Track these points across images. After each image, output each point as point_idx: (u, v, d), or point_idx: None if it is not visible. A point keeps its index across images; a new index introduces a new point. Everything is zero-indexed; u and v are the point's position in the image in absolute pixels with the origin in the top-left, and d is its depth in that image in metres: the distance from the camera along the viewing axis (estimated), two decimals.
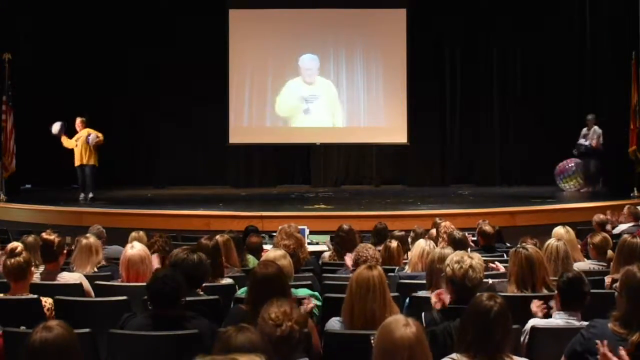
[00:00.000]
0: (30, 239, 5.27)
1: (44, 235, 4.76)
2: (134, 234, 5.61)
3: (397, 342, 2.49)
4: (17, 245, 4.23)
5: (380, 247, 5.48)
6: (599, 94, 12.90)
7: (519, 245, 4.27)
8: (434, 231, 6.60)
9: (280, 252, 4.27)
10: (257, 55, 13.75)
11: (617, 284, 3.21)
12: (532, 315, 3.63)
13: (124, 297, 4.08)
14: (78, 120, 11.13)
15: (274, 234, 7.36)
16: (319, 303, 4.19)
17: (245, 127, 13.76)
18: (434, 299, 3.69)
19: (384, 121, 13.72)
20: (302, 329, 2.76)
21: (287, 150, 13.94)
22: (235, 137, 13.69)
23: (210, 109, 13.54)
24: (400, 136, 13.67)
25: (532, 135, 13.18)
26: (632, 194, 11.22)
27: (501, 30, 13.50)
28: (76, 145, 11.01)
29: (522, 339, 3.46)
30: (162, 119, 13.46)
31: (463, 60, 13.78)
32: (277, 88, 13.72)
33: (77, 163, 11.07)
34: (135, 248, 4.48)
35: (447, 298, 3.66)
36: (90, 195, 11.05)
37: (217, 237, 5.24)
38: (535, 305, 3.64)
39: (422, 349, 2.50)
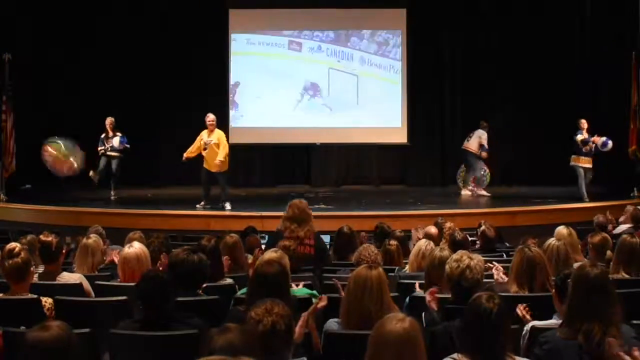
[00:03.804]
0: (30, 239, 5.28)
1: (41, 237, 4.75)
2: (131, 234, 5.61)
3: (386, 336, 2.50)
4: (15, 245, 4.21)
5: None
6: (599, 94, 12.91)
7: (524, 245, 4.27)
8: (431, 228, 6.60)
9: (276, 254, 4.26)
10: (257, 54, 13.75)
11: (570, 280, 3.22)
12: (531, 316, 3.63)
13: (124, 297, 4.07)
14: (211, 117, 10.21)
15: None
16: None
17: (245, 127, 13.75)
18: (428, 298, 3.70)
19: (384, 121, 13.71)
20: (287, 323, 2.76)
21: (287, 150, 13.94)
22: (235, 137, 13.65)
23: (210, 108, 13.49)
24: (400, 136, 13.68)
25: (532, 135, 13.19)
26: (632, 194, 11.23)
27: (501, 30, 13.50)
28: (204, 149, 10.14)
29: (522, 339, 3.46)
30: (162, 119, 13.46)
31: (463, 60, 13.78)
32: (277, 88, 13.71)
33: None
34: (133, 247, 4.48)
35: (444, 294, 3.68)
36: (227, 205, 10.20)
37: (227, 237, 5.27)
38: (520, 311, 3.61)
39: (413, 347, 2.50)
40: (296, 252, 5.30)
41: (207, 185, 10.36)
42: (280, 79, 13.71)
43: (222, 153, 10.03)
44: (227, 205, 10.18)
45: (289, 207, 5.90)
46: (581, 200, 10.73)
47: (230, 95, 13.73)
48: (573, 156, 10.94)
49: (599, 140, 10.65)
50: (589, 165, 10.89)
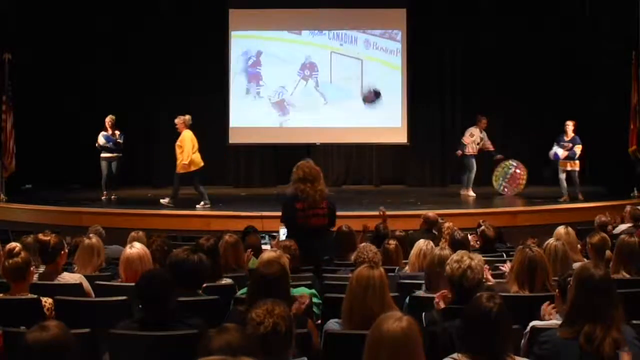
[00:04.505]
0: (30, 239, 5.27)
1: (40, 236, 4.76)
2: (133, 234, 5.62)
3: (383, 334, 2.50)
4: (15, 245, 4.22)
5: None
6: (598, 94, 12.90)
7: (525, 245, 4.27)
8: (428, 212, 6.70)
9: (275, 254, 4.26)
10: (257, 54, 13.74)
11: (571, 279, 3.22)
12: (532, 316, 3.62)
13: (124, 297, 4.07)
14: (176, 120, 10.52)
15: (274, 234, 7.37)
16: (317, 300, 4.19)
17: (245, 127, 13.74)
18: (437, 299, 3.70)
19: (384, 121, 13.70)
20: (288, 324, 2.76)
21: (287, 150, 13.92)
22: (235, 137, 13.68)
23: (210, 108, 13.54)
24: (400, 136, 13.66)
25: (533, 135, 13.18)
26: (632, 194, 11.23)
27: (501, 30, 13.48)
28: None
29: (522, 339, 3.46)
30: (162, 119, 13.44)
31: (463, 60, 13.77)
32: (277, 88, 13.71)
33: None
34: (134, 248, 4.49)
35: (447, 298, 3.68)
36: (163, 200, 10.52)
37: (226, 237, 5.27)
38: (545, 309, 3.60)
39: (409, 346, 2.50)
40: (309, 223, 5.44)
41: (197, 185, 10.53)
42: (280, 79, 13.69)
43: (184, 155, 10.31)
44: (163, 200, 10.45)
45: (297, 168, 5.79)
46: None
47: (230, 95, 13.67)
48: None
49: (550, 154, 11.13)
50: (570, 168, 11.04)
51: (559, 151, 10.98)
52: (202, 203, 10.37)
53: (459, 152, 11.90)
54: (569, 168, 11.04)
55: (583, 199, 10.90)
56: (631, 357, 2.89)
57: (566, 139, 11.01)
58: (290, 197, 5.81)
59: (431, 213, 6.97)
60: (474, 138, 11.87)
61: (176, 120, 10.51)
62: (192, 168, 10.38)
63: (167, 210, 10.27)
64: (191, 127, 10.54)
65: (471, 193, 11.88)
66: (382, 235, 6.61)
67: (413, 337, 2.52)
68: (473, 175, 11.96)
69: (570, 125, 11.01)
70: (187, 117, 10.49)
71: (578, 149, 10.95)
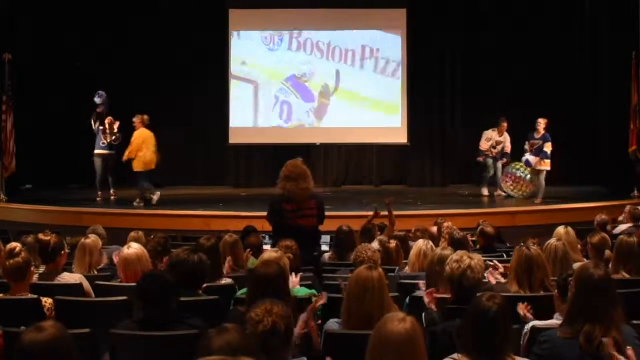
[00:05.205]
0: (30, 239, 5.28)
1: (40, 236, 4.76)
2: (132, 233, 5.63)
3: (387, 335, 2.50)
4: (15, 245, 4.23)
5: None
6: (598, 94, 12.90)
7: (522, 244, 4.28)
8: (432, 227, 6.66)
9: (276, 254, 4.26)
10: (257, 54, 13.75)
11: (572, 279, 3.23)
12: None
13: (124, 297, 4.07)
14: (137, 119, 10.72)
15: None
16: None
17: (245, 127, 13.75)
18: (426, 299, 3.70)
19: (384, 121, 13.71)
20: (287, 323, 2.77)
21: (287, 150, 13.90)
22: (235, 137, 13.69)
23: (211, 109, 13.55)
24: (400, 136, 13.67)
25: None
26: (632, 194, 11.23)
27: (501, 30, 13.49)
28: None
29: (522, 339, 3.47)
30: (162, 119, 13.42)
31: (463, 60, 13.77)
32: (277, 88, 13.72)
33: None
34: (131, 248, 4.49)
35: (444, 294, 3.68)
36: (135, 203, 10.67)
37: (226, 237, 5.27)
38: (521, 309, 3.62)
39: (413, 347, 2.50)
40: (299, 224, 5.47)
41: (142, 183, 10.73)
42: (280, 79, 13.70)
43: (129, 152, 10.52)
44: (153, 199, 10.59)
45: (284, 167, 5.84)
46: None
47: (231, 95, 13.68)
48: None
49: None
50: (540, 167, 10.89)
51: (530, 158, 10.91)
52: (137, 200, 10.60)
53: (480, 158, 11.76)
54: (538, 167, 10.91)
55: (541, 202, 10.73)
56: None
57: (536, 136, 10.93)
58: (277, 197, 5.81)
59: (435, 229, 6.73)
60: (490, 142, 11.76)
61: (134, 119, 10.70)
62: (137, 168, 10.54)
63: (166, 210, 10.27)
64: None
65: (485, 192, 11.77)
66: (369, 233, 6.63)
67: (416, 337, 2.52)
68: (488, 175, 11.82)
69: (541, 123, 10.92)
70: (145, 116, 10.73)
71: (548, 147, 10.80)
